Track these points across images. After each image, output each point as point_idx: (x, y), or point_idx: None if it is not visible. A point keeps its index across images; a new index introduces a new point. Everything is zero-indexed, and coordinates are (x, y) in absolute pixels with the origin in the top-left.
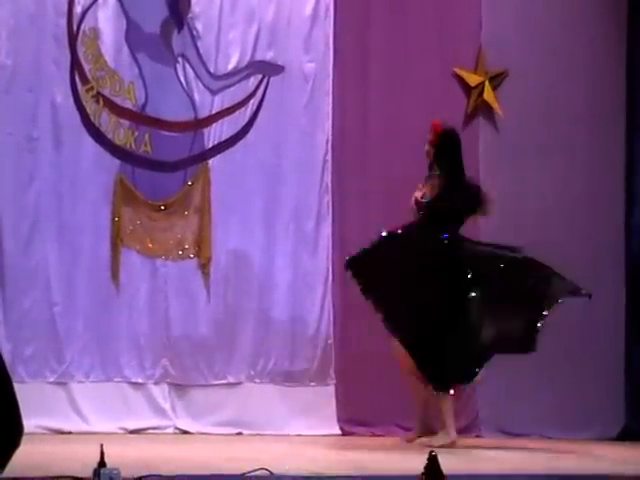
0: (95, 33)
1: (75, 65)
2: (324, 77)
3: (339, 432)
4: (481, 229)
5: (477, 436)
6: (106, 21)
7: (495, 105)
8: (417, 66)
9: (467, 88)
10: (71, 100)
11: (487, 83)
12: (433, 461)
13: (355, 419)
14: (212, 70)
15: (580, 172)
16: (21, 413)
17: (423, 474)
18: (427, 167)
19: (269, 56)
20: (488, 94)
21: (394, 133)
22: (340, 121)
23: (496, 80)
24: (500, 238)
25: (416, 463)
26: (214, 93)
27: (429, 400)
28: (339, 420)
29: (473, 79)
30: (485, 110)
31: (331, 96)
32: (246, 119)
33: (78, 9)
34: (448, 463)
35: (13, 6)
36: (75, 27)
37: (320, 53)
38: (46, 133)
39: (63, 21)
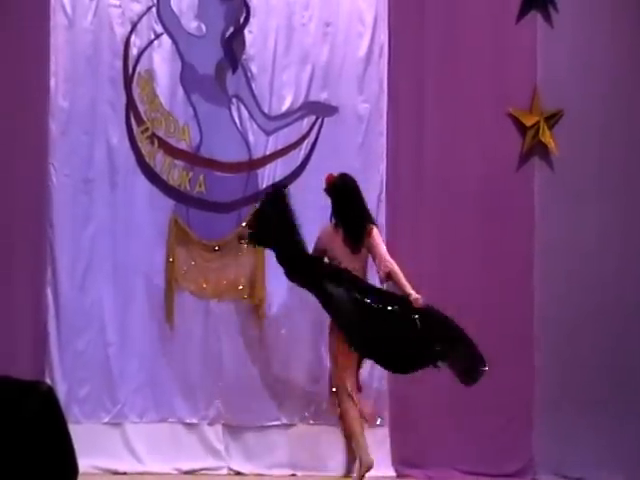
0: (150, 75)
1: (130, 106)
2: (378, 118)
3: (394, 474)
4: (536, 273)
5: (533, 479)
6: (161, 63)
7: (551, 145)
8: (472, 106)
9: (522, 128)
10: (126, 141)
11: (543, 123)
12: None
13: (410, 461)
14: (266, 111)
15: None
16: (76, 454)
17: None
18: None
19: (323, 97)
20: (544, 134)
21: (448, 174)
22: (394, 162)
23: (552, 120)
24: (558, 283)
25: None
26: (268, 134)
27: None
28: (394, 462)
29: (528, 119)
30: (541, 150)
31: (385, 137)
32: (300, 160)
33: (134, 51)
34: None
35: (70, 48)
36: (131, 69)
37: (374, 94)
38: (102, 174)
39: (119, 63)
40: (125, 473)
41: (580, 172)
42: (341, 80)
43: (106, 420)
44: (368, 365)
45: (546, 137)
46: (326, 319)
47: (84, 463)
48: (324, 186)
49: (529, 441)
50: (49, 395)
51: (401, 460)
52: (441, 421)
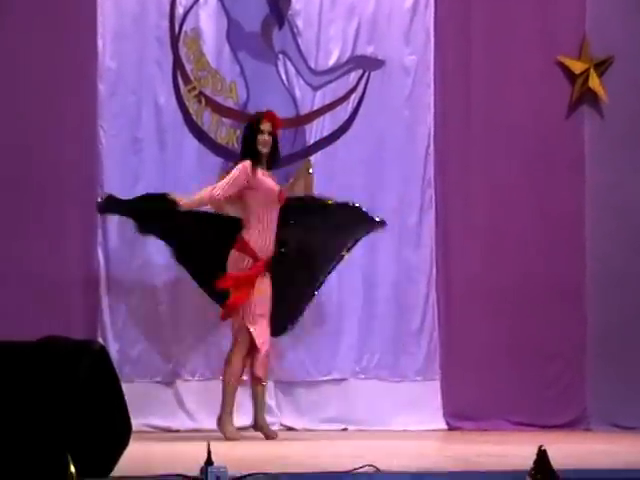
0: (196, 33)
1: (177, 66)
2: (425, 69)
3: (445, 427)
4: (587, 220)
5: (586, 429)
6: (207, 21)
7: (601, 92)
8: (520, 55)
9: (571, 76)
10: (174, 101)
11: (592, 70)
12: (543, 456)
13: (461, 413)
14: (313, 66)
15: None
16: (129, 412)
17: (532, 469)
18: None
19: (369, 50)
20: (593, 81)
21: (496, 124)
22: (442, 113)
23: (601, 67)
24: (609, 230)
25: (525, 458)
26: (315, 89)
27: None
28: (445, 415)
29: (577, 67)
30: (590, 98)
31: (432, 88)
32: (347, 114)
33: (180, 10)
34: (558, 457)
35: (116, 9)
36: (177, 28)
37: (420, 45)
38: (150, 134)
39: (165, 22)
40: (178, 431)
41: (630, 119)
42: (387, 33)
43: (158, 378)
44: (418, 318)
45: (595, 84)
46: (376, 272)
47: (137, 421)
48: (276, 127)
49: (582, 392)
50: (101, 354)
51: (452, 413)
52: (492, 373)
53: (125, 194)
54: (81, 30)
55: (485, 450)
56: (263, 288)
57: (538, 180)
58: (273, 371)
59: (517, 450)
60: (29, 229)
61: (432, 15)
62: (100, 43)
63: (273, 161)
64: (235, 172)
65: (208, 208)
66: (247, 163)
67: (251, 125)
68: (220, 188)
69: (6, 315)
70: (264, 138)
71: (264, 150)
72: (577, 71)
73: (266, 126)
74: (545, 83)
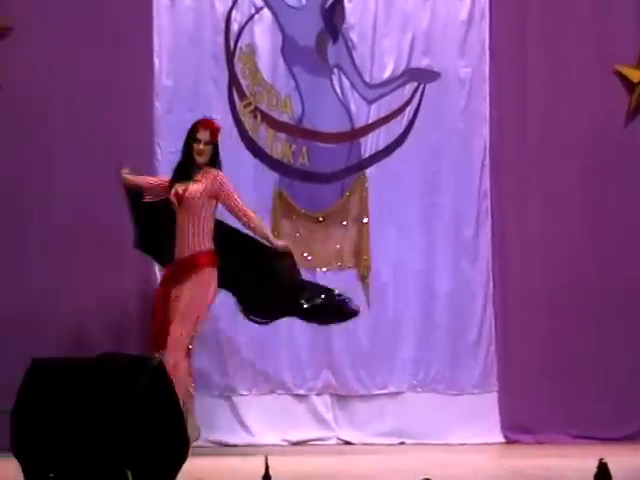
0: (252, 49)
1: (233, 82)
2: (480, 81)
3: (503, 440)
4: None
5: None
6: (262, 36)
7: None
8: (576, 65)
9: (629, 85)
10: (229, 116)
11: None
12: (603, 469)
13: (519, 426)
14: (368, 79)
15: None
16: (186, 427)
17: None
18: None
19: (424, 63)
20: None
21: (553, 134)
22: (498, 125)
23: None
24: None
25: (585, 471)
26: (370, 102)
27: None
28: (503, 428)
29: (636, 75)
30: None
31: (488, 100)
32: (402, 127)
33: (235, 26)
34: (619, 471)
35: (172, 28)
36: (232, 44)
37: (476, 57)
38: None
39: (220, 39)
40: (235, 445)
41: None
42: (442, 45)
43: (216, 393)
44: (476, 331)
45: None
46: (432, 285)
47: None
48: (215, 135)
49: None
50: (160, 369)
51: (510, 426)
52: (550, 385)
53: None
54: (137, 49)
55: (544, 464)
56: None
57: (595, 190)
58: (331, 385)
59: (577, 463)
60: (87, 244)
61: (487, 26)
62: (156, 61)
63: (213, 164)
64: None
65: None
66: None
67: (188, 133)
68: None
69: (63, 331)
70: (199, 147)
71: (200, 160)
72: (635, 80)
73: (202, 135)
74: (602, 93)
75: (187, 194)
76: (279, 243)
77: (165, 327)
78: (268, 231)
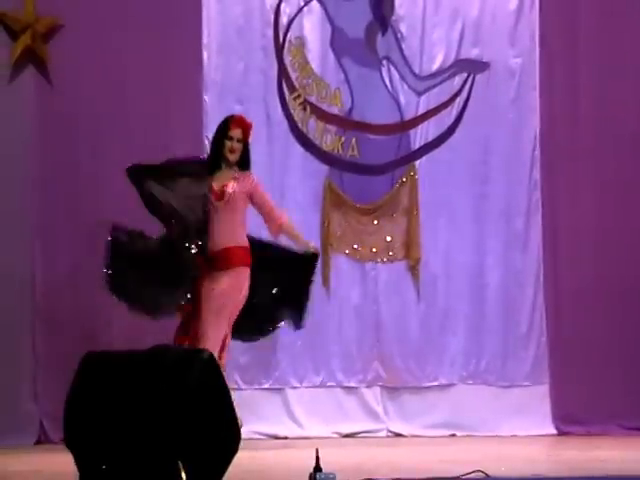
0: (301, 41)
1: (282, 74)
2: (531, 72)
3: (554, 432)
4: None
5: None
6: (311, 29)
7: None
8: (630, 54)
9: None
10: (279, 109)
11: None
12: None
13: (571, 418)
14: (417, 71)
15: None
16: (238, 419)
17: None
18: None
19: (474, 53)
20: None
21: (605, 125)
22: (548, 115)
23: None
24: None
25: (637, 463)
26: (420, 94)
27: None
28: (554, 419)
29: None
30: None
31: (538, 90)
32: (452, 118)
33: (284, 19)
34: None
35: (221, 21)
36: (281, 37)
37: (526, 47)
38: (256, 143)
39: (270, 32)
40: (286, 438)
41: None
42: (492, 35)
43: (267, 385)
44: (526, 322)
45: None
46: (483, 276)
47: (245, 429)
48: (247, 133)
49: None
50: (210, 363)
51: (562, 418)
52: (602, 377)
53: None
54: (186, 42)
55: (596, 455)
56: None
57: None
58: (381, 377)
59: (629, 455)
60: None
61: (537, 16)
62: (205, 54)
63: (244, 164)
64: None
65: None
66: None
67: (219, 130)
68: None
69: (114, 325)
70: (232, 145)
71: (232, 157)
72: None
73: (235, 132)
74: None
75: (229, 189)
76: (311, 244)
77: (194, 318)
78: (299, 232)
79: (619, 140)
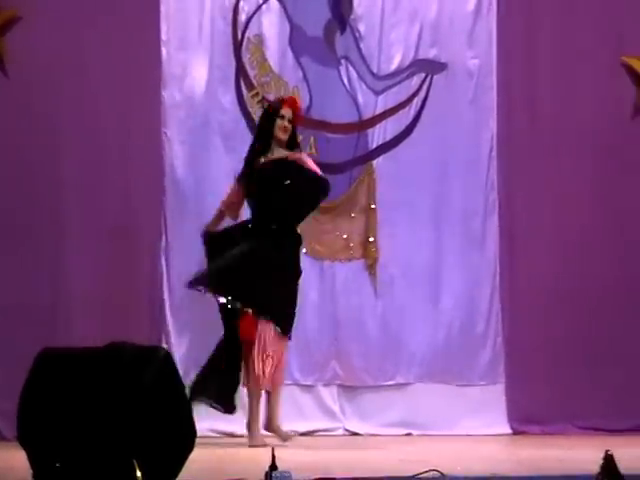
0: (260, 39)
1: (240, 72)
2: (488, 73)
3: (510, 431)
4: None
5: None
6: (270, 27)
7: None
8: (585, 56)
9: (636, 77)
10: (237, 106)
11: None
12: (609, 460)
13: (526, 417)
14: (375, 70)
15: None
16: (194, 417)
17: (599, 474)
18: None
19: (432, 54)
20: None
21: (561, 126)
22: (505, 117)
23: None
24: None
25: (591, 462)
26: (378, 93)
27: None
28: (510, 419)
29: None
30: None
31: (496, 92)
32: (410, 118)
33: (242, 17)
34: (625, 462)
35: (181, 17)
36: (240, 34)
37: (483, 48)
38: (215, 140)
39: (228, 29)
40: (242, 436)
41: None
42: (450, 36)
43: None
44: (483, 322)
45: None
46: (440, 276)
47: (202, 426)
48: (297, 115)
49: None
50: (167, 360)
51: (517, 417)
52: (558, 376)
53: (190, 199)
54: (145, 38)
55: (551, 455)
56: None
57: (604, 182)
58: (338, 376)
59: (583, 455)
60: (94, 231)
61: (495, 17)
62: (164, 50)
63: (292, 144)
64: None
65: None
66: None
67: (270, 108)
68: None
69: (72, 321)
70: (284, 124)
71: (283, 136)
72: None
73: (287, 112)
74: (611, 84)
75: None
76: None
77: None
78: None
79: (577, 140)
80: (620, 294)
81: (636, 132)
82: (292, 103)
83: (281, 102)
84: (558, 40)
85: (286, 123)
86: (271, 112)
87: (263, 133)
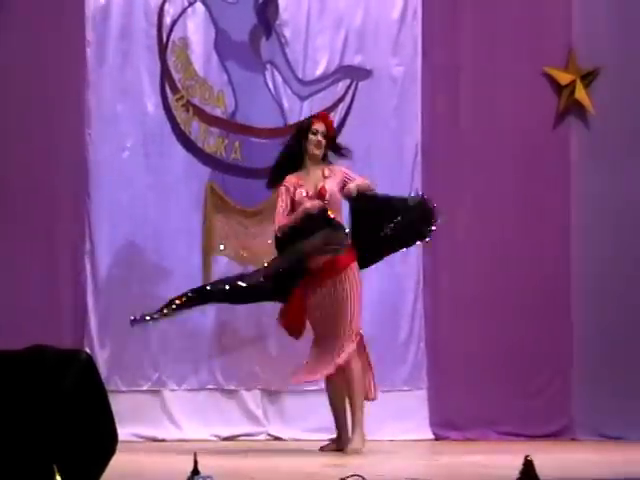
0: (185, 42)
1: (165, 75)
2: (412, 80)
3: (432, 437)
4: (572, 229)
5: (572, 439)
6: (195, 30)
7: (587, 103)
8: (507, 66)
9: (558, 87)
10: (162, 110)
11: (579, 81)
12: (529, 466)
13: (448, 423)
14: (300, 76)
15: None
16: (115, 422)
17: (519, 479)
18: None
19: (357, 61)
20: (580, 93)
21: (484, 135)
22: (430, 123)
23: (588, 78)
24: (594, 238)
25: (511, 468)
26: (303, 99)
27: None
28: (432, 424)
29: (564, 78)
30: (577, 109)
31: (420, 99)
32: (335, 124)
33: (167, 19)
34: (544, 467)
35: (104, 19)
36: (165, 37)
37: (408, 56)
38: (137, 143)
39: (153, 31)
40: (164, 440)
41: (616, 130)
42: (375, 43)
43: (145, 388)
44: (406, 327)
45: (582, 96)
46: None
47: (124, 431)
48: (330, 128)
49: (569, 402)
50: (88, 364)
51: (439, 423)
52: (479, 382)
53: (112, 202)
54: (69, 39)
55: (471, 460)
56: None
57: (525, 190)
58: (260, 380)
59: (503, 460)
60: (16, 233)
61: (419, 25)
62: (88, 51)
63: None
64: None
65: None
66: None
67: (302, 126)
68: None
69: None
70: (317, 139)
71: (317, 151)
72: (563, 82)
73: (319, 126)
74: (533, 94)
75: (329, 191)
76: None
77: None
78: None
79: (500, 147)
80: (539, 302)
81: (556, 141)
82: (323, 118)
83: (311, 118)
84: (480, 50)
85: (320, 137)
86: (302, 128)
87: (293, 150)
